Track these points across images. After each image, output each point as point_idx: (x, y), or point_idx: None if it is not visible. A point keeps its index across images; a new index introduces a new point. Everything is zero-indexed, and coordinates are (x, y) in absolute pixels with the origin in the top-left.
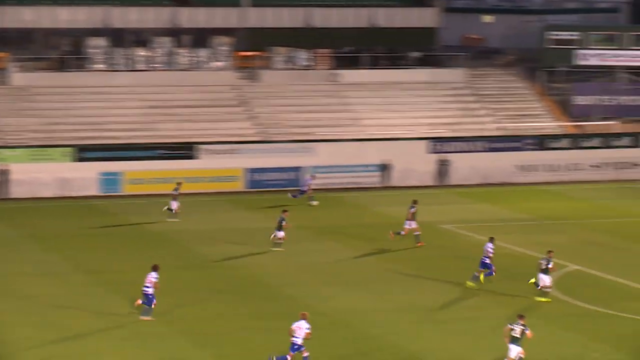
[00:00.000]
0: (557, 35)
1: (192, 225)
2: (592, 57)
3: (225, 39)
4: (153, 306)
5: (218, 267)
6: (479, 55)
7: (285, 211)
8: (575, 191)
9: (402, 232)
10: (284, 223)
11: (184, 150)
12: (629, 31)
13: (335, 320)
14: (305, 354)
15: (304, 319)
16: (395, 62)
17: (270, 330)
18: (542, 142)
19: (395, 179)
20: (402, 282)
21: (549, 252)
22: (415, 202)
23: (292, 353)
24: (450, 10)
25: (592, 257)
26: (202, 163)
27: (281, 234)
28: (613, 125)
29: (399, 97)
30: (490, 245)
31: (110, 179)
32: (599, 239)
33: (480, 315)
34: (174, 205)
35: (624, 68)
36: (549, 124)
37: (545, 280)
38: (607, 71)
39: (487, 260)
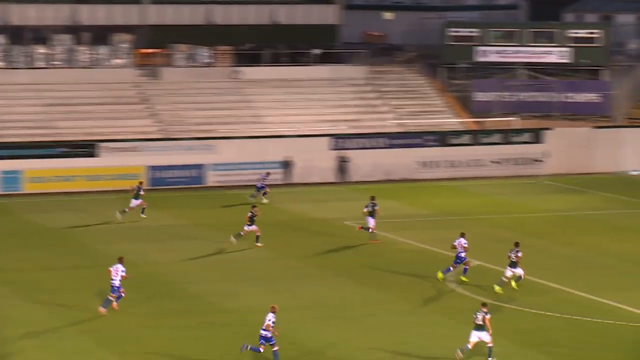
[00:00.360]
0: (457, 32)
1: (93, 223)
2: (491, 53)
3: (125, 37)
4: (116, 298)
5: None
6: (379, 52)
7: (254, 206)
8: (476, 187)
9: (370, 229)
10: (254, 216)
11: (84, 148)
12: (528, 28)
13: (239, 318)
14: (275, 348)
15: (273, 312)
16: (296, 59)
17: (174, 328)
18: (443, 138)
19: (297, 176)
20: (306, 279)
21: (516, 243)
22: (372, 198)
23: (262, 345)
24: (351, 7)
25: (493, 253)
26: (103, 161)
27: (254, 227)
28: (513, 122)
29: (301, 94)
30: (463, 240)
31: (10, 178)
32: (500, 235)
33: (383, 311)
34: (134, 203)
35: (523, 64)
36: (450, 120)
37: (517, 272)
38: (506, 67)
39: (463, 254)
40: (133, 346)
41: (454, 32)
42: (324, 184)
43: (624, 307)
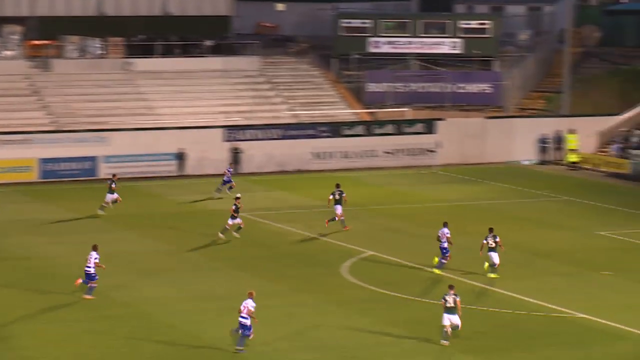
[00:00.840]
0: (349, 23)
1: None
2: (384, 44)
3: (15, 28)
4: (94, 285)
5: (10, 259)
6: (272, 43)
7: (237, 198)
8: (370, 177)
9: (336, 218)
10: (238, 209)
11: None
12: (420, 19)
13: (136, 311)
14: (247, 333)
15: (250, 298)
16: (189, 50)
17: (69, 321)
18: (336, 129)
19: (191, 168)
20: (202, 270)
21: (491, 229)
22: (338, 185)
23: (241, 332)
24: None
25: (387, 243)
26: None
27: (238, 220)
28: (406, 112)
29: (194, 85)
30: (446, 230)
31: None
32: (394, 225)
33: (278, 302)
34: (109, 198)
35: (415, 55)
36: (343, 111)
37: (494, 258)
38: (399, 58)
39: (445, 245)
40: (28, 340)
41: (346, 23)
42: (218, 175)
43: (520, 296)
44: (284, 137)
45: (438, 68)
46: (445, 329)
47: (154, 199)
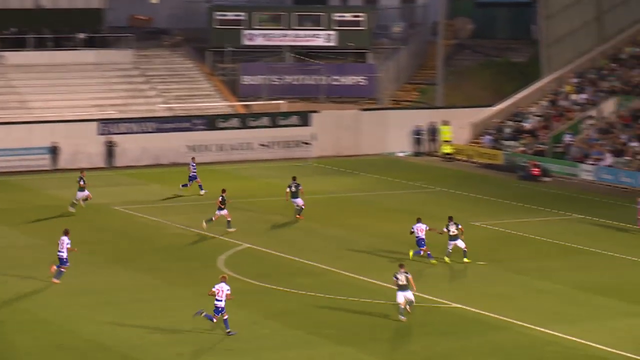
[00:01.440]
0: (223, 15)
1: None
2: (258, 37)
3: None
4: (64, 269)
5: None
6: (146, 36)
7: (224, 190)
8: (245, 170)
9: (298, 214)
10: (223, 201)
11: None
12: (294, 11)
13: (9, 308)
14: (225, 317)
15: (223, 281)
16: (61, 43)
17: None
18: (212, 122)
19: (65, 162)
20: (77, 265)
21: (450, 217)
22: (294, 178)
23: (216, 315)
24: None
25: (262, 235)
26: None
27: (225, 212)
28: (281, 105)
29: (67, 79)
30: (421, 224)
31: None
32: (270, 217)
33: (153, 296)
34: (80, 195)
35: (290, 48)
36: (219, 104)
37: (460, 244)
38: (273, 51)
39: (422, 236)
40: None
41: (220, 15)
42: (92, 169)
43: (386, 285)
44: (159, 130)
45: (313, 60)
46: (401, 306)
47: (28, 193)
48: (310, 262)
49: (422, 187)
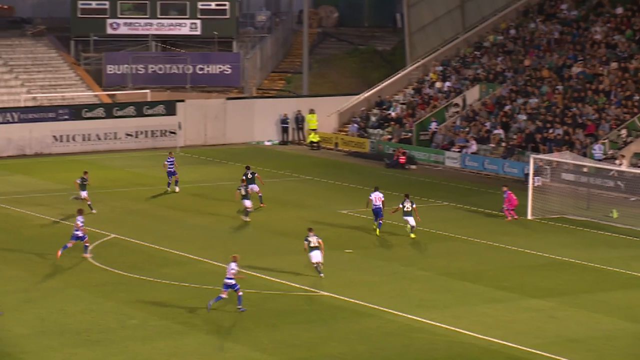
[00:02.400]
0: (87, 4)
1: None
2: (122, 26)
3: None
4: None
5: None
6: (8, 25)
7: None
8: (111, 160)
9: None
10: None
11: None
12: (158, 0)
13: None
14: (240, 293)
15: (234, 261)
16: None
17: None
18: (77, 111)
19: None
20: None
21: (407, 195)
22: (248, 167)
23: (225, 290)
24: None
25: (130, 225)
26: None
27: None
28: (146, 94)
29: None
30: (378, 193)
31: None
32: (136, 207)
33: (18, 287)
34: (84, 194)
35: (155, 37)
36: (84, 94)
37: (411, 222)
38: (138, 40)
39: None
40: None
41: (83, 4)
42: None
43: (264, 276)
44: (23, 121)
45: (178, 49)
46: (316, 265)
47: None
48: (177, 252)
49: (289, 176)
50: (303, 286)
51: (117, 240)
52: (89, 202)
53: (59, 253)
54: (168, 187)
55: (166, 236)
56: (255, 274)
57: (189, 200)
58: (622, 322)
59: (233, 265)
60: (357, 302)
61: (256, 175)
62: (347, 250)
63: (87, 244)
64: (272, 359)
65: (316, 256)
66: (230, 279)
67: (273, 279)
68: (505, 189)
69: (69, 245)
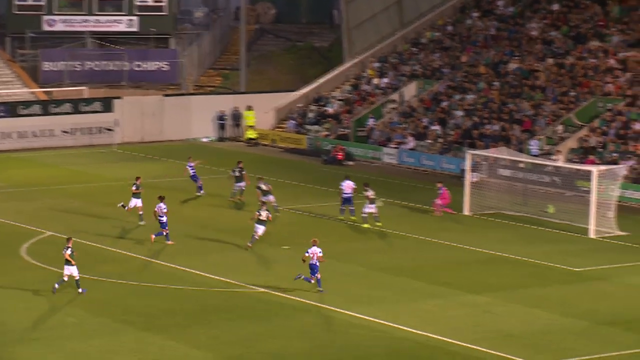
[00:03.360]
0: (23, 0)
1: None
2: (59, 22)
3: None
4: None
5: None
6: None
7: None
8: (48, 157)
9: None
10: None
11: None
12: None
13: None
14: (318, 276)
15: (315, 245)
16: None
17: None
18: (12, 109)
19: None
20: None
21: (366, 184)
22: (239, 162)
23: (313, 276)
24: None
25: (66, 223)
26: None
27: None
28: (83, 91)
29: None
30: (348, 182)
31: None
32: (73, 205)
33: None
34: (134, 203)
35: (91, 34)
36: (20, 91)
37: (373, 209)
38: (75, 37)
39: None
40: None
41: (20, 1)
42: None
43: (200, 272)
44: None
45: (115, 46)
46: (256, 236)
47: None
48: (114, 249)
49: (226, 173)
50: (240, 282)
51: (54, 238)
52: (140, 213)
53: (153, 237)
54: (198, 192)
55: (103, 233)
56: (192, 270)
57: (125, 197)
58: (558, 316)
59: (315, 249)
60: (295, 298)
61: (244, 173)
62: (284, 247)
63: (163, 232)
64: (209, 355)
65: (260, 229)
66: (316, 261)
67: (210, 275)
68: (439, 185)
69: (164, 233)
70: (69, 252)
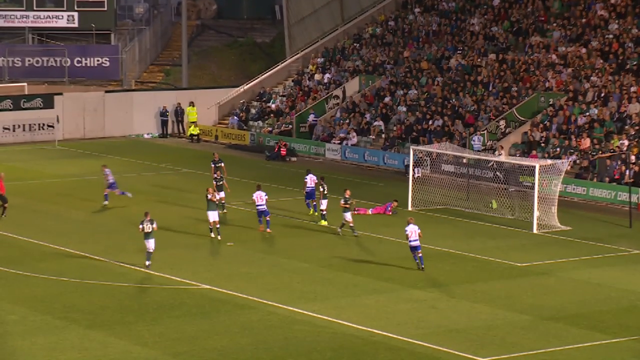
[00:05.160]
0: None
1: None
2: None
3: None
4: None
5: None
6: None
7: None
8: None
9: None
10: None
11: None
12: None
13: None
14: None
15: (411, 223)
16: None
17: None
18: None
19: None
20: None
21: (322, 177)
22: (214, 154)
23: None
24: None
25: (7, 220)
26: None
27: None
28: (23, 87)
29: None
30: (311, 176)
31: None
32: (13, 202)
33: None
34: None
35: (31, 29)
36: None
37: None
38: (14, 32)
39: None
40: None
41: None
42: None
43: (136, 267)
44: None
45: (55, 42)
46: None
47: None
48: (55, 246)
49: (168, 169)
50: (183, 279)
51: None
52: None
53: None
54: (118, 193)
55: (43, 230)
56: (135, 267)
57: (68, 194)
58: (502, 311)
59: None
60: (239, 294)
61: (222, 165)
62: (228, 244)
63: (268, 219)
64: (153, 353)
65: (150, 243)
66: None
67: (153, 272)
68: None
69: (267, 218)
70: (154, 225)
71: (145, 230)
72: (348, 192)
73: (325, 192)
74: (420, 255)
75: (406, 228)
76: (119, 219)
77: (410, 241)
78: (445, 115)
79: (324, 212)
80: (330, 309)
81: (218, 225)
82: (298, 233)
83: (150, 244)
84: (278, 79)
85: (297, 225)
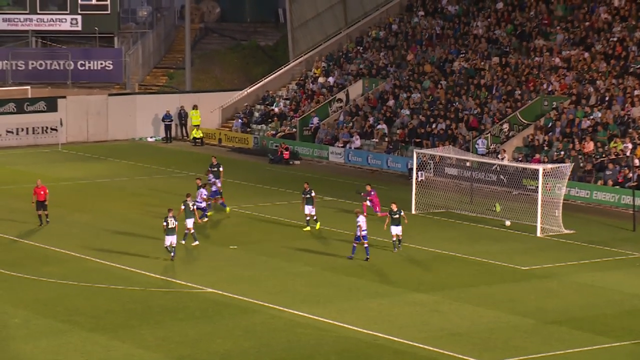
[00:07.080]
0: None
1: None
2: (1, 21)
3: None
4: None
5: None
6: None
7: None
8: None
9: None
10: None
11: None
12: None
13: None
14: (366, 245)
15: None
16: None
17: None
18: None
19: None
20: None
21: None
22: (214, 158)
23: (356, 242)
24: None
25: (10, 223)
26: None
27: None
28: (27, 90)
29: None
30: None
31: None
32: (17, 205)
33: None
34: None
35: (34, 32)
36: None
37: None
38: (18, 36)
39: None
40: None
41: None
42: None
43: (149, 273)
44: None
45: (58, 45)
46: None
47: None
48: (58, 249)
49: (173, 172)
50: (187, 282)
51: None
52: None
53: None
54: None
55: (47, 233)
56: (138, 271)
57: (70, 197)
58: (505, 315)
59: (362, 218)
60: (242, 298)
61: (221, 169)
62: (231, 247)
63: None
64: (156, 356)
65: (168, 240)
66: (364, 230)
67: (157, 276)
68: (369, 188)
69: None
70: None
71: (170, 226)
72: (394, 205)
73: (313, 195)
74: (366, 245)
75: (357, 219)
76: (119, 222)
77: (363, 231)
78: (449, 118)
79: (314, 217)
80: (333, 312)
81: (193, 231)
82: (301, 236)
83: (173, 239)
84: (282, 82)
85: (300, 229)
